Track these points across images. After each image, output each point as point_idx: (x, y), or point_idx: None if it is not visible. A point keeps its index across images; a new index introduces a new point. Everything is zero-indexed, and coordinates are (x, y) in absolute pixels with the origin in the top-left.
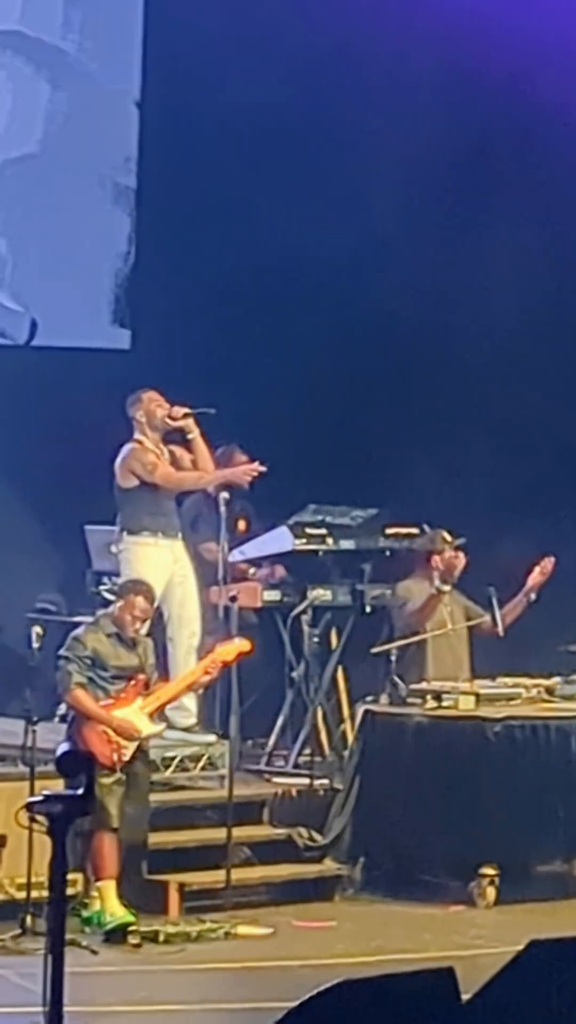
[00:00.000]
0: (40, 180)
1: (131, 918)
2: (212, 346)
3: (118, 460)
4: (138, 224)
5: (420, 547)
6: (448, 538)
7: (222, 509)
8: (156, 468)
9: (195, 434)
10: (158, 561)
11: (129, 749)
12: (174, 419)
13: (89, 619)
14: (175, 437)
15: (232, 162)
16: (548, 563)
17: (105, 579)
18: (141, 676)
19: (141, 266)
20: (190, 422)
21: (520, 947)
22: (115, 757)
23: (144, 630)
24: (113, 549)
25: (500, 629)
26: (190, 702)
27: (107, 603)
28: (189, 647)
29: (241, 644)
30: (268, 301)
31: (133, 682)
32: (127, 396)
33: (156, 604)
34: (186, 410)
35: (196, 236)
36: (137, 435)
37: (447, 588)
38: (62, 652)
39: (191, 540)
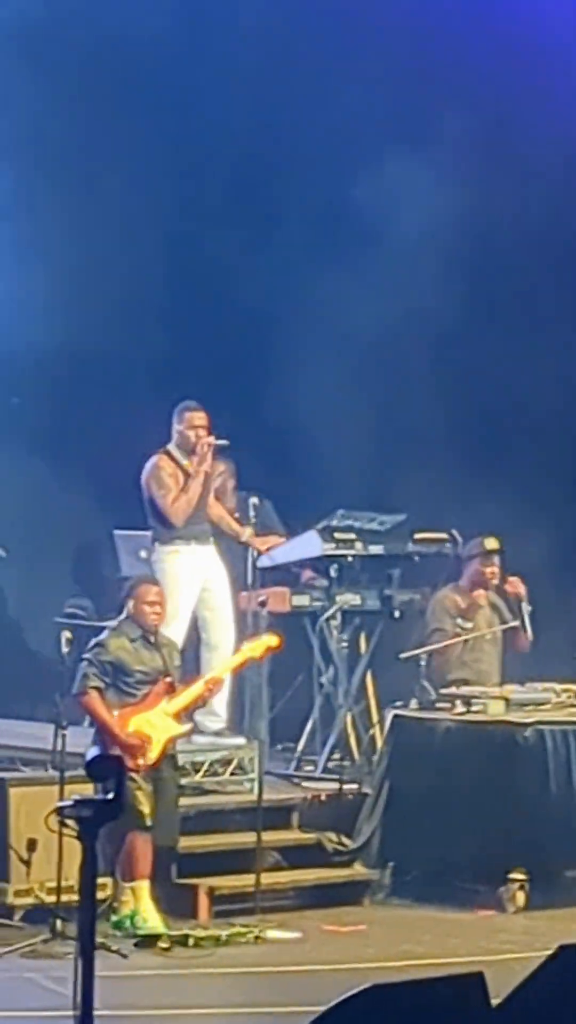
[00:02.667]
0: None
1: (163, 928)
2: (241, 348)
3: (144, 471)
4: None
5: (465, 554)
6: (491, 546)
7: (251, 513)
8: (167, 496)
9: (206, 466)
10: (191, 569)
11: (153, 752)
12: (201, 449)
13: (113, 624)
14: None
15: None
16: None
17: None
18: (166, 679)
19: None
20: (208, 457)
21: (550, 952)
22: (139, 760)
23: (179, 631)
24: (143, 555)
25: (528, 636)
26: (220, 707)
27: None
28: (225, 651)
29: (269, 640)
30: (302, 304)
31: (157, 685)
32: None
33: (191, 612)
34: (211, 441)
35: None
36: (169, 446)
37: (470, 626)
38: (84, 656)
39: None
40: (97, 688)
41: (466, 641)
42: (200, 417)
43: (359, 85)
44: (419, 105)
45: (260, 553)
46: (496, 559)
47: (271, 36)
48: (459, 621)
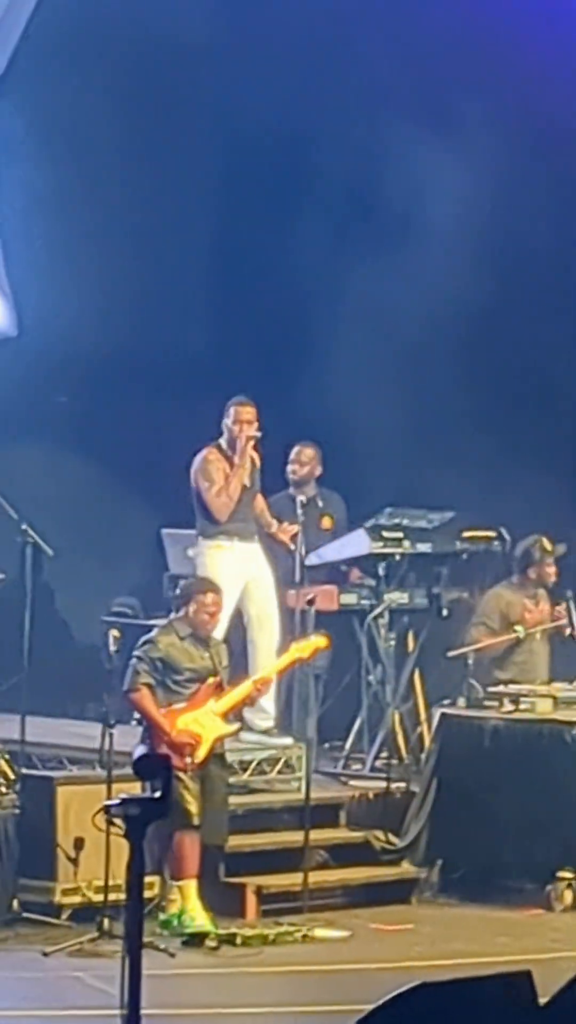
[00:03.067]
0: None
1: (210, 927)
2: (284, 343)
3: (193, 465)
4: None
5: (520, 553)
6: (548, 546)
7: (299, 511)
8: (211, 488)
9: (246, 460)
10: (234, 565)
11: (201, 751)
12: (240, 443)
13: (163, 622)
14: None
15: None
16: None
17: (181, 583)
18: (214, 678)
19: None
20: (247, 451)
21: None
22: (187, 760)
23: (220, 628)
24: (190, 553)
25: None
26: (269, 705)
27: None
28: (269, 649)
29: (318, 640)
30: (353, 303)
31: (206, 684)
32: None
33: (235, 607)
34: (250, 434)
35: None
36: (220, 440)
37: (522, 632)
38: (135, 652)
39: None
40: (147, 685)
41: (518, 642)
42: (247, 412)
43: (387, 70)
44: (447, 89)
45: (284, 545)
46: (551, 560)
47: (308, 29)
48: (511, 623)
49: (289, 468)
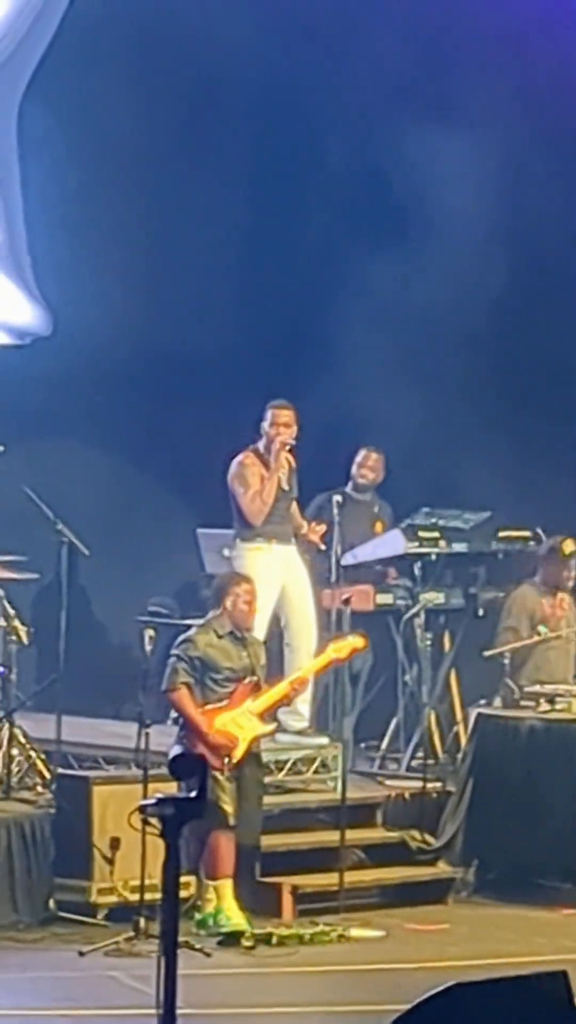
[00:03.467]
0: None
1: (246, 926)
2: (323, 343)
3: (230, 469)
4: None
5: (541, 553)
6: (568, 549)
7: (334, 511)
8: (246, 493)
9: (279, 465)
10: (271, 567)
11: (239, 750)
12: (274, 447)
13: (200, 621)
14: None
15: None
16: None
17: (213, 581)
18: (252, 678)
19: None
20: (280, 455)
21: None
22: (224, 760)
23: (259, 630)
24: (226, 553)
25: None
26: (304, 706)
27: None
28: (307, 651)
29: (355, 641)
30: (390, 310)
31: (243, 684)
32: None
33: (273, 609)
34: (284, 440)
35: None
36: (259, 443)
37: (546, 632)
38: (172, 652)
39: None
40: (186, 684)
41: (543, 642)
42: (285, 415)
43: (401, 64)
44: (455, 79)
45: (314, 544)
46: (573, 563)
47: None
48: (536, 623)
49: (357, 472)
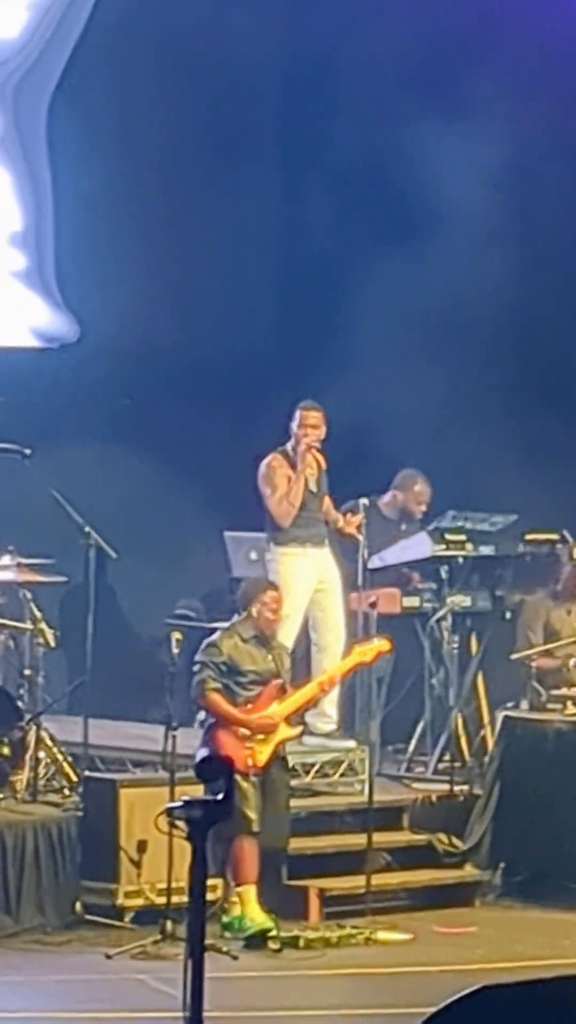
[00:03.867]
0: None
1: (271, 924)
2: (356, 347)
3: (260, 469)
4: None
5: (564, 558)
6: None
7: (361, 514)
8: (273, 495)
9: (306, 466)
10: (305, 571)
11: (263, 754)
12: (301, 449)
13: (225, 625)
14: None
15: None
16: None
17: (240, 585)
18: (277, 681)
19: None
20: (307, 457)
21: None
22: (249, 762)
23: (291, 633)
24: (253, 556)
25: None
26: (331, 708)
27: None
28: (335, 653)
29: (380, 644)
30: (413, 309)
31: (269, 687)
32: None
33: (303, 614)
34: (310, 442)
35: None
36: (287, 445)
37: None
38: (198, 658)
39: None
40: (216, 689)
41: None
42: (313, 416)
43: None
44: (462, 73)
45: (352, 537)
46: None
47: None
48: (550, 632)
49: (415, 507)
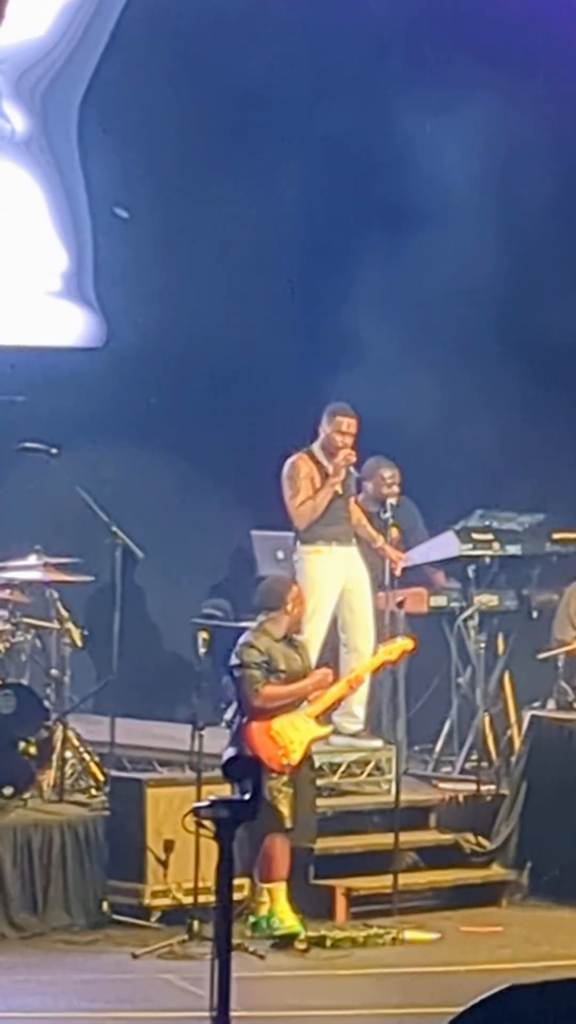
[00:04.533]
0: None
1: (299, 928)
2: (380, 348)
3: (284, 468)
4: None
5: None
6: None
7: (387, 514)
8: (295, 497)
9: (340, 478)
10: (332, 569)
11: (297, 753)
12: (339, 462)
13: (253, 625)
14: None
15: None
16: None
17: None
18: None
19: None
20: (342, 471)
21: None
22: (284, 761)
23: (319, 632)
24: (280, 555)
25: None
26: (358, 708)
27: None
28: (365, 652)
29: (404, 643)
30: (434, 311)
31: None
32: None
33: (330, 613)
34: (351, 459)
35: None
36: (314, 446)
37: None
38: (237, 661)
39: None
40: (266, 684)
41: None
42: (350, 423)
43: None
44: (446, 56)
45: (392, 563)
46: None
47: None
48: None
49: (383, 492)
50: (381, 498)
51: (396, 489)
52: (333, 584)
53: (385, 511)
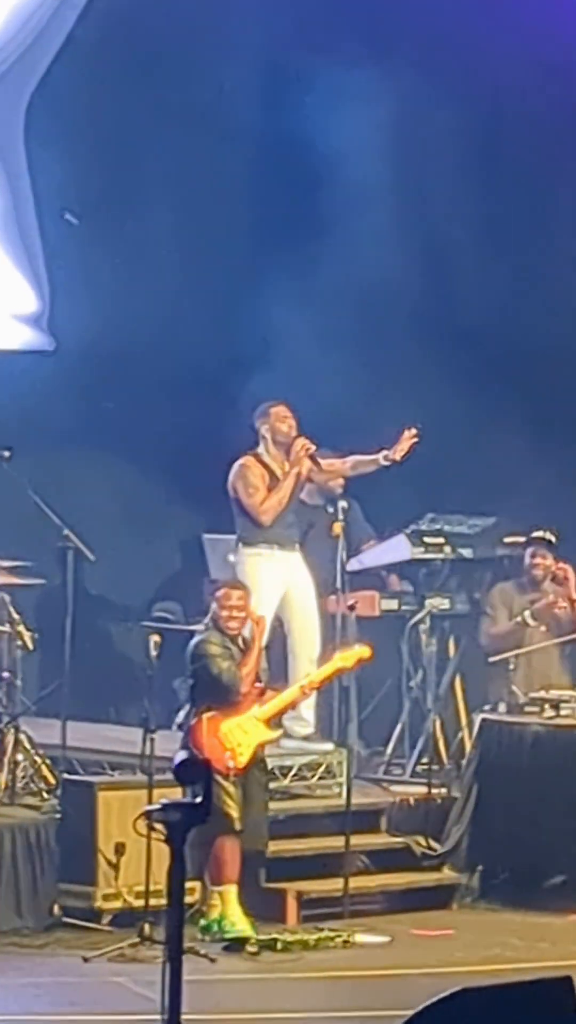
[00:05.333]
0: None
1: (251, 932)
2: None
3: (231, 474)
4: None
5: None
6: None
7: (340, 517)
8: (255, 495)
9: (302, 470)
10: (272, 572)
11: (245, 755)
12: (296, 451)
13: (201, 628)
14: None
15: None
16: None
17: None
18: (257, 684)
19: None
20: (302, 460)
21: None
22: (230, 763)
23: (248, 629)
24: (231, 559)
25: None
26: (308, 712)
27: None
28: (309, 657)
29: (361, 651)
30: (390, 310)
31: (249, 690)
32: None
33: (275, 614)
34: (308, 447)
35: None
36: (259, 448)
37: (534, 622)
38: (198, 654)
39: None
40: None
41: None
42: (286, 411)
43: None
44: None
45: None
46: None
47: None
48: (513, 616)
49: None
50: (328, 490)
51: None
52: (274, 586)
53: (335, 511)
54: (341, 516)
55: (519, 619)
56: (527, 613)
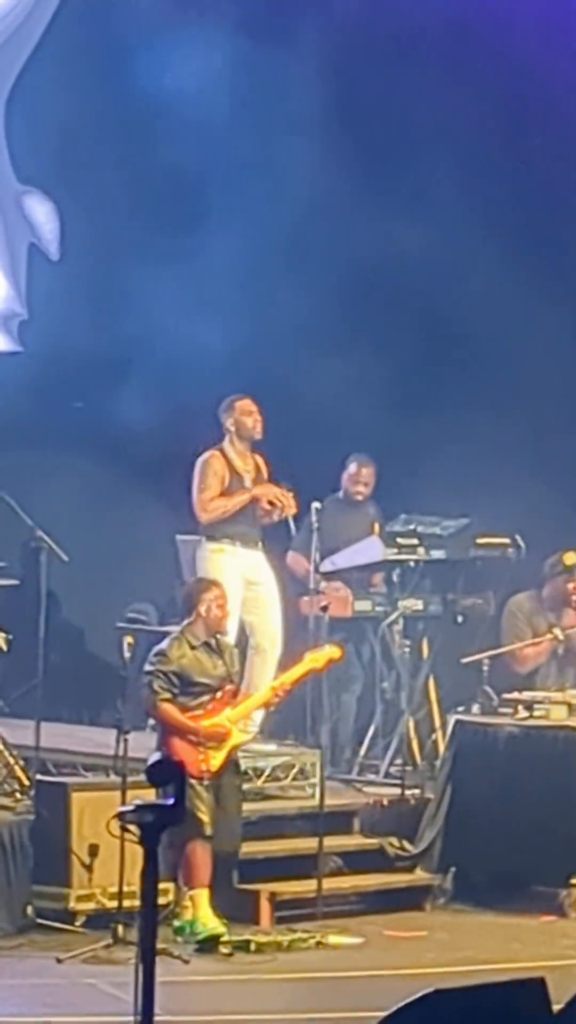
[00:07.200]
0: None
1: (223, 929)
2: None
3: (196, 466)
4: None
5: (547, 571)
6: (570, 561)
7: (313, 518)
8: (205, 491)
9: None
10: (233, 568)
11: (216, 759)
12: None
13: (174, 631)
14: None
15: None
16: None
17: (182, 589)
18: (229, 686)
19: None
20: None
21: None
22: (202, 767)
23: (230, 628)
24: (198, 554)
25: None
26: (255, 713)
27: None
28: (273, 657)
29: (332, 651)
30: (365, 308)
31: (221, 693)
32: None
33: (238, 612)
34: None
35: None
36: (224, 443)
37: (562, 636)
38: (147, 668)
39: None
40: (166, 699)
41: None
42: (251, 404)
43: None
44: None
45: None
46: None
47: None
48: (536, 634)
49: (352, 487)
50: (348, 495)
51: (360, 488)
52: (234, 583)
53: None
54: (315, 518)
55: (549, 636)
56: (557, 630)
